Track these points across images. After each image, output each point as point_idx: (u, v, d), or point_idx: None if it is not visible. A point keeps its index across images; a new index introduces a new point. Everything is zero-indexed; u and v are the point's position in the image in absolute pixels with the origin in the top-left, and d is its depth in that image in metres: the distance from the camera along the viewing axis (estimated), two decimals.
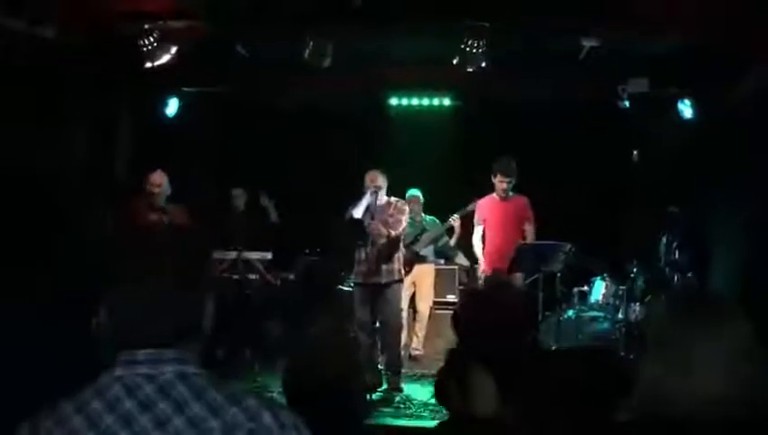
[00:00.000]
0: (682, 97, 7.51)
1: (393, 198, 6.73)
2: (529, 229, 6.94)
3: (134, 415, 1.35)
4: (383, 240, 6.47)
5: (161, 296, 1.44)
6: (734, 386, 1.43)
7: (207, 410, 1.36)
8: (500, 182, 6.84)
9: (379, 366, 6.78)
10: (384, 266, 6.48)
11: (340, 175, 8.40)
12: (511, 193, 6.91)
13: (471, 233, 7.25)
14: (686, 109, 7.50)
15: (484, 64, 6.12)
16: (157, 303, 1.44)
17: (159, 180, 6.34)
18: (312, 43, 6.07)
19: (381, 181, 6.58)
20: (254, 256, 7.14)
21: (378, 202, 6.56)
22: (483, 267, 7.01)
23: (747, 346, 1.46)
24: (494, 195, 6.98)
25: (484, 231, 7.07)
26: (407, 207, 6.77)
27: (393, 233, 6.49)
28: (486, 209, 7.04)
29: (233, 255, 7.00)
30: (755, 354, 1.45)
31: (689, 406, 1.44)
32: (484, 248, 7.04)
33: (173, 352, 1.42)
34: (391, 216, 6.54)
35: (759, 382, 1.43)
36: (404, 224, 6.65)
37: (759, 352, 1.45)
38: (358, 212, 6.50)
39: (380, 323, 6.63)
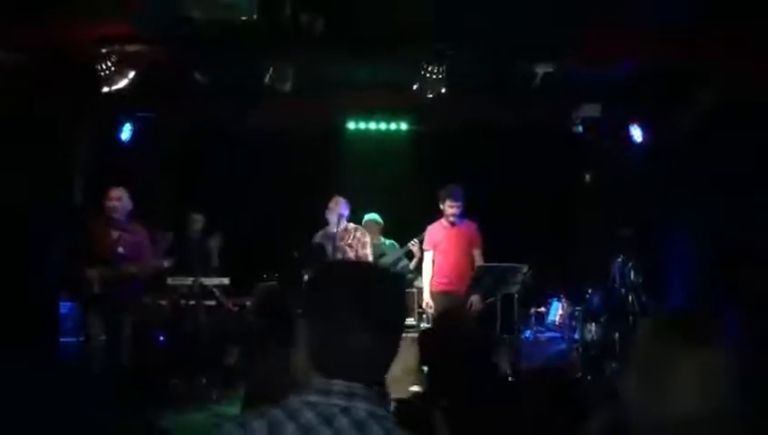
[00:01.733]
0: (633, 122, 7.72)
1: (351, 225, 6.78)
2: (477, 254, 7.05)
3: None
4: None
5: (367, 333, 1.45)
6: (706, 408, 1.46)
7: None
8: (449, 207, 6.96)
9: None
10: None
11: (298, 199, 8.42)
12: (459, 218, 7.03)
13: None
14: (636, 133, 7.71)
15: (443, 90, 6.22)
16: (361, 339, 1.45)
17: (119, 194, 6.29)
18: (272, 68, 6.09)
19: (336, 207, 6.65)
20: (211, 281, 7.07)
21: (336, 228, 6.63)
22: (428, 294, 7.10)
23: (722, 370, 1.49)
24: (443, 220, 7.09)
25: (433, 257, 7.16)
26: (367, 239, 6.85)
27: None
28: (436, 235, 7.13)
29: (189, 281, 6.92)
30: (729, 377, 1.49)
31: (660, 425, 1.48)
32: (433, 272, 7.13)
33: (364, 389, 1.44)
34: (350, 245, 6.61)
35: (730, 404, 1.47)
36: (368, 250, 6.76)
37: (733, 375, 1.49)
38: (316, 238, 6.63)
39: None
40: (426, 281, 7.17)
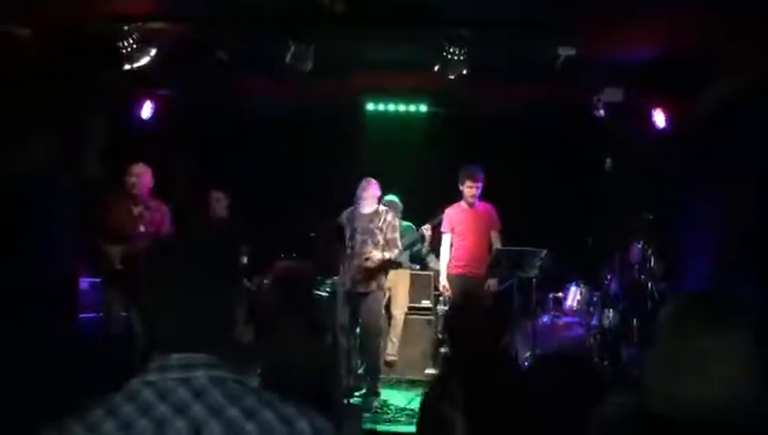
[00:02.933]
0: (655, 107, 7.63)
1: (382, 208, 6.64)
2: (495, 236, 7.04)
3: (168, 419, 1.34)
4: (379, 262, 6.43)
5: (192, 300, 1.44)
6: (735, 391, 1.46)
7: (243, 415, 1.35)
8: (468, 188, 6.96)
9: (359, 371, 6.80)
10: (369, 277, 6.46)
11: (316, 179, 8.42)
12: (477, 200, 7.00)
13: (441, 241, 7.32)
14: (659, 118, 7.63)
15: (465, 72, 6.17)
16: (188, 307, 1.44)
17: (140, 171, 6.31)
18: (293, 48, 6.07)
19: (369, 186, 6.56)
20: None
21: (361, 209, 6.53)
22: (445, 277, 7.09)
23: (750, 353, 1.48)
24: (462, 202, 7.09)
25: (451, 239, 7.14)
26: (397, 222, 6.68)
27: (389, 257, 6.46)
28: (455, 217, 7.13)
29: None
30: (757, 361, 1.48)
31: (689, 407, 1.47)
32: (450, 256, 7.10)
33: (204, 357, 1.42)
34: (380, 229, 6.49)
35: (759, 388, 1.46)
36: (399, 245, 6.62)
37: (761, 359, 1.47)
38: (343, 215, 6.54)
39: (361, 328, 6.63)
40: (443, 264, 7.17)
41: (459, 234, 7.09)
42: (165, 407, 1.35)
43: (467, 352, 2.74)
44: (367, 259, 6.34)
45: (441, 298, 7.48)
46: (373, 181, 6.62)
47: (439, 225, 7.39)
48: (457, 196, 7.15)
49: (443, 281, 7.13)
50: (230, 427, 1.34)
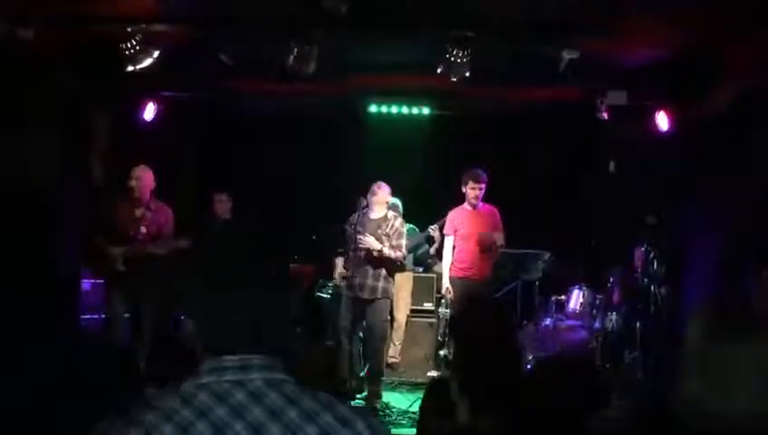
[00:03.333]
0: (658, 109, 7.62)
1: (391, 213, 6.59)
2: (499, 238, 7.03)
3: (227, 422, 1.33)
4: (375, 253, 6.38)
5: (246, 303, 1.42)
6: (758, 401, 1.43)
7: (303, 417, 1.34)
8: (471, 190, 6.94)
9: (361, 374, 6.78)
10: (372, 283, 6.41)
11: (318, 181, 8.42)
12: (480, 202, 7.00)
13: None
14: (662, 121, 7.61)
15: (468, 74, 6.17)
16: (242, 309, 1.42)
17: (143, 173, 6.31)
18: (296, 50, 6.07)
19: (373, 194, 6.50)
20: None
21: (370, 214, 6.51)
22: (447, 279, 7.07)
23: None
24: (465, 205, 7.07)
25: (454, 242, 7.13)
26: (404, 229, 6.63)
27: (389, 254, 6.38)
28: (458, 219, 7.11)
29: None
30: None
31: (727, 421, 1.45)
32: (453, 258, 7.10)
33: (260, 359, 1.40)
34: (387, 235, 6.43)
35: None
36: (403, 251, 6.59)
37: None
38: (351, 219, 6.50)
39: (365, 331, 6.59)
40: (445, 266, 7.15)
41: (462, 236, 7.07)
42: (223, 410, 1.33)
43: (471, 354, 2.73)
44: (360, 241, 6.30)
45: (443, 301, 7.47)
46: (384, 185, 6.55)
47: (443, 227, 7.38)
48: (460, 198, 7.14)
49: (445, 283, 7.11)
50: (290, 430, 1.32)
